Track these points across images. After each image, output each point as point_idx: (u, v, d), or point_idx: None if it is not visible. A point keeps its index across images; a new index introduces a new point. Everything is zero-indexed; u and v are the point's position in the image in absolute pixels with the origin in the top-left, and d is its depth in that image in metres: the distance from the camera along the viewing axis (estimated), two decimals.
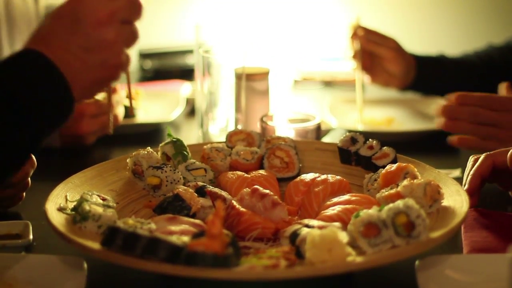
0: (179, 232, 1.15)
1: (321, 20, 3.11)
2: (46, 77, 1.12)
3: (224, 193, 1.33)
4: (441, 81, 2.19)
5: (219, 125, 1.76)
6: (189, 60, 2.54)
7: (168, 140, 1.45)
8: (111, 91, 1.31)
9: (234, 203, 1.27)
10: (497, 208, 1.41)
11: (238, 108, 1.74)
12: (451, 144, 1.72)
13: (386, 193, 1.27)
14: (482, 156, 1.40)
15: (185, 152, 1.43)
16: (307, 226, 1.18)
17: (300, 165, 1.45)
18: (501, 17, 3.11)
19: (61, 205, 1.23)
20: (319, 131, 1.65)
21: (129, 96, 1.38)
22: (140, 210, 1.34)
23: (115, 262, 1.08)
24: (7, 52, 1.89)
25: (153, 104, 2.12)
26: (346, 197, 1.30)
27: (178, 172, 1.37)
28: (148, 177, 1.36)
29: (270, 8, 3.08)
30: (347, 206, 1.25)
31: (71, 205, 1.24)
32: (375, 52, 2.10)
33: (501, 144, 1.63)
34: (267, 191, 1.28)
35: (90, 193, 1.26)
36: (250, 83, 1.74)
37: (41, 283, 1.14)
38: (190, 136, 1.94)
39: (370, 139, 1.44)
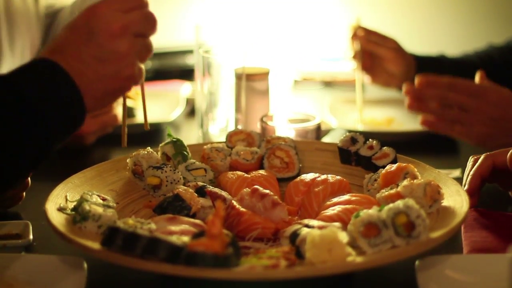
0: (179, 232, 1.15)
1: (321, 20, 3.11)
2: (60, 85, 1.15)
3: (224, 193, 1.33)
4: None
5: (219, 125, 1.76)
6: (189, 60, 2.54)
7: (168, 140, 1.45)
8: (126, 104, 1.32)
9: (234, 203, 1.27)
10: (497, 208, 1.41)
11: (238, 108, 1.74)
12: (421, 125, 1.73)
13: (386, 193, 1.27)
14: (482, 156, 1.41)
15: (185, 152, 1.43)
16: (307, 226, 1.18)
17: (300, 165, 1.45)
18: (501, 17, 3.12)
19: (61, 205, 1.23)
20: (319, 131, 1.65)
21: (144, 109, 1.38)
22: (140, 210, 1.34)
23: (115, 262, 1.08)
24: (7, 52, 1.89)
25: (153, 104, 2.12)
26: (346, 197, 1.30)
27: (178, 172, 1.36)
28: (148, 177, 1.36)
29: (270, 9, 3.08)
30: (347, 206, 1.25)
31: (71, 205, 1.24)
32: (375, 53, 2.10)
33: (466, 129, 1.67)
34: (267, 191, 1.28)
35: (90, 193, 1.26)
36: (250, 83, 1.74)
37: (41, 283, 1.14)
38: (190, 136, 1.94)
39: (370, 139, 1.44)
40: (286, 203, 1.33)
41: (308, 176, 1.37)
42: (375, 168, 1.40)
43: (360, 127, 1.98)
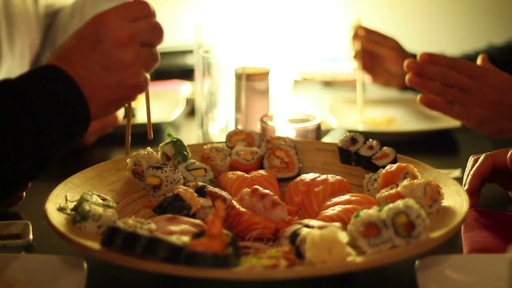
0: (179, 232, 1.15)
1: (321, 20, 3.11)
2: (65, 92, 1.16)
3: (224, 193, 1.33)
4: None
5: (219, 125, 1.76)
6: (189, 60, 2.54)
7: (168, 140, 1.45)
8: (130, 112, 1.33)
9: (234, 203, 1.27)
10: (497, 208, 1.41)
11: (238, 108, 1.74)
12: (420, 103, 1.72)
13: (386, 193, 1.27)
14: (482, 156, 1.41)
15: (185, 152, 1.43)
16: (307, 226, 1.18)
17: (300, 165, 1.45)
18: (501, 17, 3.11)
19: (61, 205, 1.23)
20: (319, 131, 1.65)
21: (148, 118, 1.38)
22: (140, 210, 1.34)
23: (115, 262, 1.08)
24: (6, 52, 1.89)
25: (153, 104, 2.12)
26: (346, 197, 1.30)
27: (178, 172, 1.36)
28: (148, 177, 1.36)
29: (270, 8, 3.08)
30: (347, 206, 1.25)
31: (71, 205, 1.24)
32: (375, 52, 2.10)
33: (465, 110, 1.66)
34: (267, 191, 1.28)
35: (90, 193, 1.26)
36: (250, 83, 1.74)
37: (41, 283, 1.14)
38: (190, 136, 1.94)
39: (370, 139, 1.44)
40: (286, 203, 1.33)
41: (308, 176, 1.37)
42: (375, 168, 1.39)
43: (361, 127, 1.98)
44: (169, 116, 2.01)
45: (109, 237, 1.08)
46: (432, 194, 1.23)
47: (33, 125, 1.13)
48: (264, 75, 1.77)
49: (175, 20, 2.98)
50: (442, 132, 1.95)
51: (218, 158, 1.44)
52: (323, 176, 1.36)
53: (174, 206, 1.25)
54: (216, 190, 1.33)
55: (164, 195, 1.33)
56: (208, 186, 1.33)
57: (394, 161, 1.39)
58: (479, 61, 1.76)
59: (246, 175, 1.39)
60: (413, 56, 2.14)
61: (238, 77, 1.73)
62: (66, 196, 1.27)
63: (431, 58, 1.69)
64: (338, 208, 1.25)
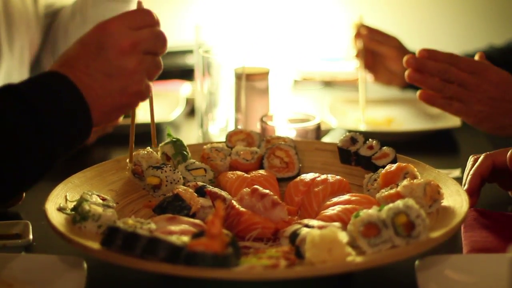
0: (179, 232, 1.15)
1: (321, 20, 3.11)
2: (68, 98, 1.17)
3: (224, 193, 1.33)
4: None
5: (219, 125, 1.76)
6: (189, 60, 2.54)
7: (168, 140, 1.45)
8: (134, 121, 1.33)
9: (234, 203, 1.27)
10: (497, 208, 1.41)
11: (238, 108, 1.74)
12: (419, 99, 1.72)
13: (386, 193, 1.27)
14: (482, 156, 1.40)
15: (185, 152, 1.43)
16: (307, 226, 1.18)
17: (300, 165, 1.45)
18: (501, 17, 3.11)
19: (61, 205, 1.23)
20: (319, 131, 1.65)
21: (152, 126, 1.38)
22: (140, 210, 1.34)
23: (115, 262, 1.08)
24: (5, 52, 1.89)
25: (153, 104, 2.12)
26: (346, 197, 1.30)
27: (178, 172, 1.36)
28: (148, 177, 1.36)
29: (270, 8, 3.08)
30: (347, 206, 1.25)
31: (71, 205, 1.24)
32: (377, 51, 2.10)
33: (465, 106, 1.65)
34: (267, 191, 1.28)
35: (90, 193, 1.26)
36: (250, 83, 1.74)
37: (41, 283, 1.14)
38: (190, 136, 1.94)
39: (370, 139, 1.44)
40: (286, 203, 1.33)
41: (308, 176, 1.37)
42: (375, 168, 1.39)
43: (363, 127, 1.98)
44: (169, 116, 2.01)
45: (109, 237, 1.08)
46: (432, 194, 1.23)
47: (35, 131, 1.14)
48: (264, 75, 1.77)
49: (175, 20, 2.98)
50: (442, 132, 1.94)
51: (218, 158, 1.44)
52: (323, 176, 1.36)
53: (174, 206, 1.25)
54: (216, 190, 1.33)
55: (164, 195, 1.33)
56: (208, 186, 1.33)
57: (394, 161, 1.39)
58: (477, 58, 1.76)
59: (246, 175, 1.39)
60: (414, 54, 2.14)
61: (238, 77, 1.73)
62: (66, 196, 1.27)
63: (430, 54, 1.68)
64: (338, 208, 1.25)
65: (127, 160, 1.39)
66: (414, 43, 2.30)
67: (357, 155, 1.44)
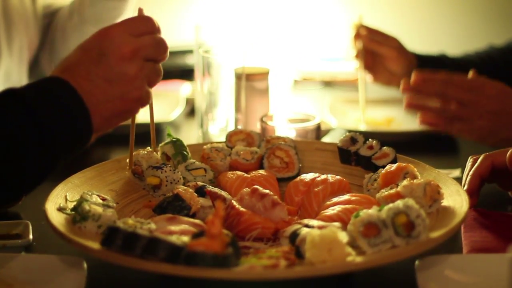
0: (179, 232, 1.15)
1: (321, 20, 3.11)
2: (69, 103, 1.18)
3: (224, 193, 1.33)
4: None
5: (219, 125, 1.76)
6: (189, 60, 2.54)
7: (168, 140, 1.45)
8: (134, 127, 1.34)
9: (234, 203, 1.27)
10: (497, 208, 1.41)
11: (238, 108, 1.74)
12: (420, 124, 1.72)
13: (386, 193, 1.27)
14: (482, 157, 1.40)
15: (185, 152, 1.43)
16: (307, 226, 1.18)
17: (300, 165, 1.45)
18: (501, 18, 3.11)
19: (61, 205, 1.23)
20: (319, 131, 1.65)
21: (152, 131, 1.39)
22: (140, 210, 1.34)
23: (115, 262, 1.08)
24: (5, 51, 1.89)
25: (153, 104, 2.12)
26: (346, 197, 1.30)
27: (178, 172, 1.36)
28: (148, 177, 1.36)
29: (270, 8, 3.08)
30: (347, 206, 1.25)
31: (71, 205, 1.24)
32: (377, 51, 2.10)
33: (466, 125, 1.65)
34: (267, 191, 1.28)
35: (90, 193, 1.26)
36: (250, 83, 1.74)
37: (41, 283, 1.14)
38: (190, 136, 1.94)
39: (370, 139, 1.44)
40: (286, 203, 1.33)
41: (308, 176, 1.37)
42: (375, 168, 1.39)
43: (363, 127, 1.98)
44: (169, 116, 2.01)
45: (109, 237, 1.08)
46: (432, 194, 1.23)
47: (36, 136, 1.14)
48: (264, 75, 1.77)
49: (175, 20, 2.98)
50: (442, 132, 1.94)
51: (218, 158, 1.44)
52: (323, 176, 1.36)
53: (174, 206, 1.25)
54: (216, 190, 1.33)
55: (164, 195, 1.33)
56: (208, 186, 1.33)
57: (394, 161, 1.39)
58: (470, 75, 1.76)
59: (246, 175, 1.39)
60: (414, 55, 2.15)
61: (238, 77, 1.73)
62: (66, 196, 1.27)
63: (425, 78, 1.69)
64: (338, 208, 1.25)
65: (127, 160, 1.39)
66: (414, 43, 2.31)
67: (357, 155, 1.44)
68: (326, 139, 1.89)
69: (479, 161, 1.40)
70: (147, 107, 1.30)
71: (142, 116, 2.03)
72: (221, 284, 1.08)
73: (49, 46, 2.04)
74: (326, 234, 1.08)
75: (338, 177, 1.36)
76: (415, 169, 1.32)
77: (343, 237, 1.09)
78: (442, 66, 2.17)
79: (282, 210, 1.25)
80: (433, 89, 1.68)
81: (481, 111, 1.66)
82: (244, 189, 1.29)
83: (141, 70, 1.21)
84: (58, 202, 1.24)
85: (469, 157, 1.44)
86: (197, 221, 1.22)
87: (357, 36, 2.09)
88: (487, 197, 1.42)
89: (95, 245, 1.10)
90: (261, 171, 1.41)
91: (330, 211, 1.25)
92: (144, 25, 1.23)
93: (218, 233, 1.05)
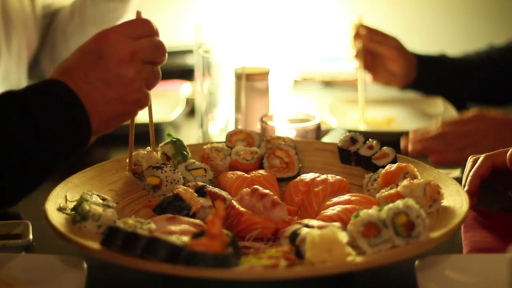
0: (179, 232, 1.15)
1: (321, 20, 3.11)
2: (68, 105, 1.18)
3: (224, 193, 1.33)
4: (442, 80, 2.19)
5: (219, 125, 1.76)
6: (189, 60, 2.54)
7: (168, 140, 1.45)
8: (133, 130, 1.34)
9: (234, 203, 1.27)
10: (497, 208, 1.41)
11: (238, 108, 1.74)
12: (433, 164, 1.65)
13: (386, 193, 1.27)
14: (482, 157, 1.40)
15: (185, 152, 1.43)
16: (307, 226, 1.18)
17: (300, 165, 1.45)
18: (501, 17, 3.11)
19: (61, 205, 1.23)
20: (319, 131, 1.65)
21: (151, 132, 1.39)
22: (140, 210, 1.34)
23: (115, 262, 1.08)
24: (3, 50, 1.89)
25: (153, 104, 2.11)
26: (346, 197, 1.30)
27: (178, 172, 1.36)
28: (148, 177, 1.36)
29: (270, 8, 3.08)
30: (347, 206, 1.25)
31: (71, 205, 1.24)
32: (377, 51, 2.10)
33: (474, 149, 1.62)
34: (267, 191, 1.28)
35: (90, 193, 1.26)
36: (250, 83, 1.74)
37: (41, 283, 1.14)
38: (190, 136, 1.94)
39: (370, 139, 1.44)
40: (286, 203, 1.33)
41: (308, 176, 1.37)
42: (375, 168, 1.39)
43: (363, 127, 1.98)
44: (169, 116, 2.01)
45: (109, 237, 1.08)
46: (432, 194, 1.23)
47: (35, 138, 1.15)
48: (264, 75, 1.77)
49: (175, 20, 2.98)
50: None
51: (218, 158, 1.44)
52: (323, 176, 1.36)
53: (174, 206, 1.25)
54: (216, 190, 1.33)
55: (164, 195, 1.33)
56: (208, 186, 1.33)
57: (394, 161, 1.39)
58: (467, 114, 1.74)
59: (246, 175, 1.39)
60: (414, 55, 2.15)
61: (238, 77, 1.73)
62: (66, 196, 1.27)
63: (423, 135, 1.67)
64: (338, 208, 1.25)
65: (127, 160, 1.39)
66: (414, 43, 2.31)
67: (357, 155, 1.44)
68: (326, 139, 1.89)
69: (479, 161, 1.40)
70: (146, 109, 1.31)
71: (142, 116, 2.04)
72: (221, 284, 1.08)
73: (49, 47, 2.04)
74: (326, 234, 1.08)
75: (338, 177, 1.36)
76: (415, 169, 1.32)
77: (343, 237, 1.09)
78: (442, 66, 2.18)
79: (282, 210, 1.25)
80: (434, 142, 1.65)
81: (484, 132, 1.65)
82: (244, 189, 1.29)
83: (139, 73, 1.22)
84: (58, 202, 1.24)
85: (469, 158, 1.44)
86: (197, 221, 1.22)
87: (357, 36, 2.10)
88: (487, 197, 1.42)
89: (95, 245, 1.10)
90: (261, 171, 1.41)
91: (330, 211, 1.25)
92: (142, 28, 1.23)
93: (218, 233, 1.05)
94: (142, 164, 1.38)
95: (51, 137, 1.16)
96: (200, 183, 1.34)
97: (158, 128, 1.98)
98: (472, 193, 1.36)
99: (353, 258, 1.09)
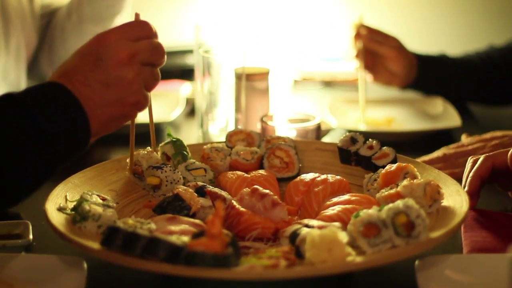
0: (179, 232, 1.15)
1: (321, 20, 3.11)
2: (67, 107, 1.19)
3: (224, 193, 1.33)
4: (442, 80, 2.19)
5: (219, 125, 1.76)
6: (189, 60, 2.54)
7: (168, 140, 1.45)
8: (133, 131, 1.34)
9: (234, 203, 1.27)
10: (497, 208, 1.41)
11: (238, 108, 1.74)
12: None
13: (386, 193, 1.27)
14: (482, 158, 1.40)
15: (185, 152, 1.43)
16: (307, 226, 1.18)
17: (300, 165, 1.45)
18: (501, 17, 3.11)
19: (61, 205, 1.23)
20: (319, 131, 1.65)
21: (152, 133, 1.39)
22: (140, 210, 1.34)
23: (115, 262, 1.08)
24: (2, 49, 1.89)
25: (153, 104, 2.11)
26: (346, 197, 1.30)
27: (178, 172, 1.36)
28: (148, 177, 1.36)
29: (270, 8, 3.08)
30: (347, 206, 1.25)
31: (71, 205, 1.24)
32: (377, 51, 2.10)
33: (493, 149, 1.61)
34: (267, 191, 1.28)
35: (90, 193, 1.26)
36: (250, 83, 1.74)
37: (41, 283, 1.14)
38: (190, 136, 1.94)
39: (370, 139, 1.44)
40: (286, 203, 1.33)
41: (308, 176, 1.37)
42: (375, 168, 1.39)
43: (363, 127, 1.98)
44: (169, 116, 2.01)
45: (109, 237, 1.08)
46: (432, 194, 1.23)
47: (34, 140, 1.15)
48: (264, 75, 1.77)
49: (175, 20, 2.98)
50: (442, 132, 1.94)
51: (218, 158, 1.44)
52: (323, 176, 1.36)
53: (174, 206, 1.25)
54: (216, 190, 1.33)
55: (164, 195, 1.33)
56: (208, 186, 1.33)
57: (394, 161, 1.39)
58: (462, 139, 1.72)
59: (246, 175, 1.39)
60: (414, 54, 2.15)
61: (238, 77, 1.73)
62: (66, 196, 1.27)
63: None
64: (338, 208, 1.25)
65: (127, 160, 1.39)
66: (414, 43, 2.31)
67: (357, 155, 1.44)
68: (326, 139, 1.89)
69: (479, 162, 1.40)
70: (145, 110, 1.31)
71: (142, 116, 2.03)
72: (221, 284, 1.08)
73: (48, 46, 2.04)
74: (326, 234, 1.08)
75: (338, 177, 1.36)
76: (415, 169, 1.32)
77: (343, 237, 1.09)
78: (442, 66, 2.18)
79: (282, 210, 1.25)
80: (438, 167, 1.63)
81: (489, 138, 1.64)
82: (244, 189, 1.29)
83: (138, 75, 1.22)
84: (58, 202, 1.24)
85: (469, 158, 1.44)
86: (197, 221, 1.22)
87: (357, 36, 2.10)
88: (487, 197, 1.42)
89: (95, 245, 1.10)
90: (261, 171, 1.41)
91: (330, 211, 1.25)
92: (141, 30, 1.24)
93: (218, 233, 1.05)
94: (142, 164, 1.38)
95: (50, 139, 1.16)
96: (200, 183, 1.34)
97: (158, 128, 1.98)
98: (472, 194, 1.36)
99: (353, 258, 1.08)
